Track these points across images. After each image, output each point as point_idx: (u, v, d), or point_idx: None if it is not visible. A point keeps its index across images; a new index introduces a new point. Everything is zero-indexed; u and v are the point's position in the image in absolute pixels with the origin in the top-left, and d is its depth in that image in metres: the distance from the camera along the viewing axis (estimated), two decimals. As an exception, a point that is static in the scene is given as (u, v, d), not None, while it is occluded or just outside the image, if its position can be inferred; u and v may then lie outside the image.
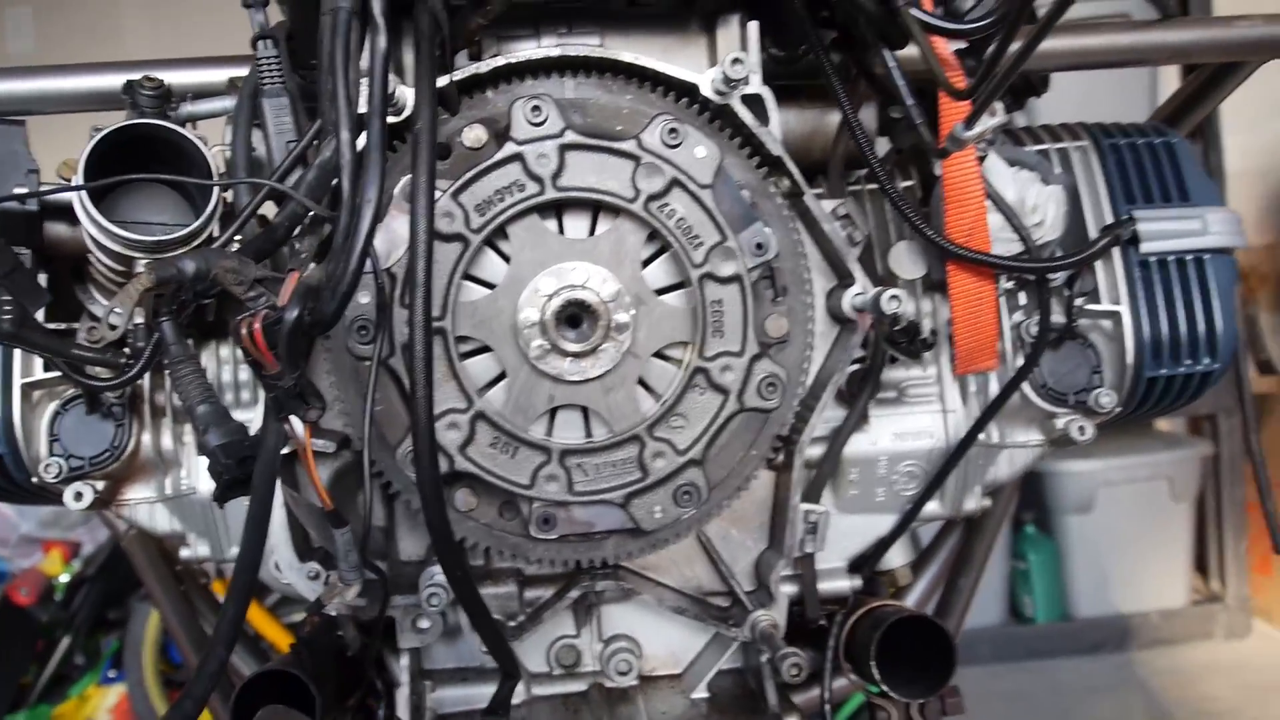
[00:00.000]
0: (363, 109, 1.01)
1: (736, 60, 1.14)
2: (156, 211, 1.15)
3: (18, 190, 1.11)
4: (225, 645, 0.86)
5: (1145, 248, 1.28)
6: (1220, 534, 4.28)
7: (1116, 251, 1.29)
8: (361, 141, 0.98)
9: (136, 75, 1.20)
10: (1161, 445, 4.25)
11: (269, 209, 1.14)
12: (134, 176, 1.07)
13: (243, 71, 1.27)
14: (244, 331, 0.92)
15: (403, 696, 1.21)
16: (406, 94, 1.10)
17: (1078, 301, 1.27)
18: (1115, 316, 1.29)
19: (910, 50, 1.06)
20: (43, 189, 1.13)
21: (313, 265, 1.01)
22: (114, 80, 1.25)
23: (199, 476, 1.27)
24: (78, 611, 3.79)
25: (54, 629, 3.77)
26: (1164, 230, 1.28)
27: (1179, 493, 4.15)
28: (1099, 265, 1.30)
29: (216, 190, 1.09)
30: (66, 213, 1.15)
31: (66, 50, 5.03)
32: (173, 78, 1.24)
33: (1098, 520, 4.14)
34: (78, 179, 1.07)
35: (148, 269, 0.95)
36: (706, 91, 1.17)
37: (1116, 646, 4.19)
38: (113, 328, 1.12)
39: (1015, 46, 0.84)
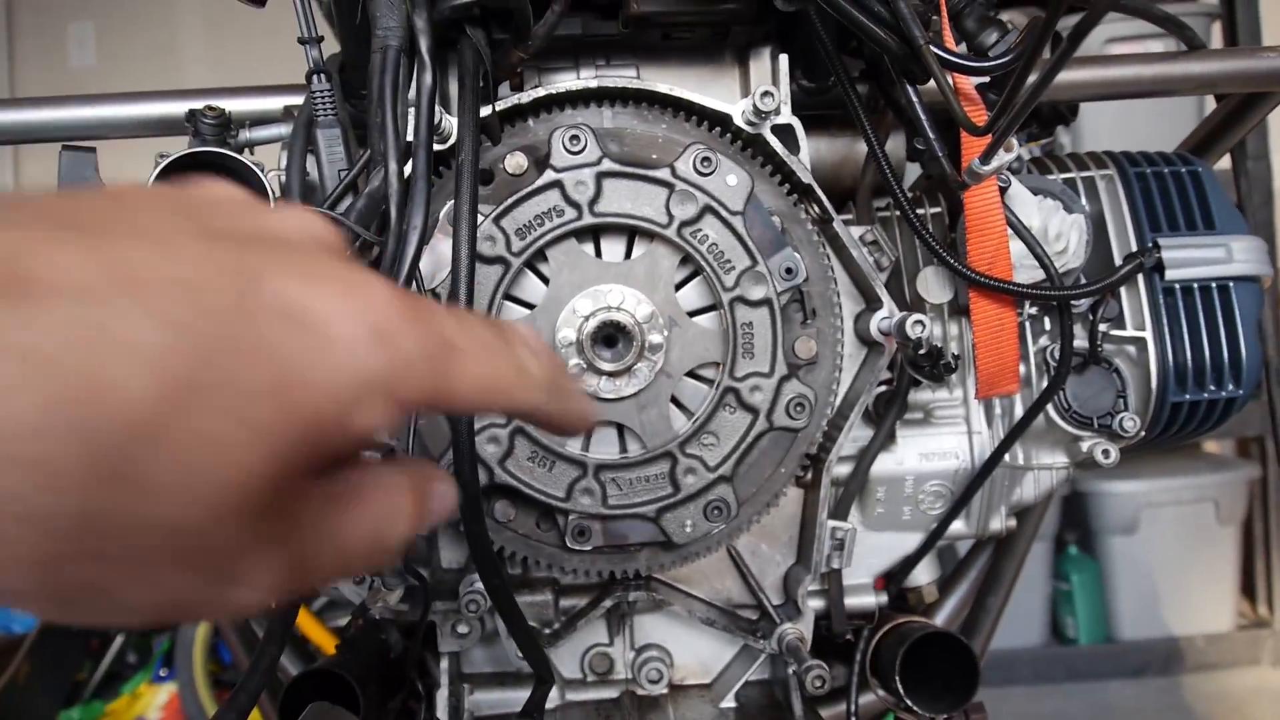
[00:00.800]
0: (410, 139, 1.07)
1: (767, 93, 1.18)
2: (216, 234, 1.22)
3: (89, 213, 1.18)
4: (277, 643, 0.91)
5: (1170, 275, 1.30)
6: (1268, 558, 4.22)
7: (1141, 279, 1.32)
8: (408, 170, 1.04)
9: (198, 104, 1.27)
10: (1207, 467, 4.21)
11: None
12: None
13: (297, 99, 1.34)
14: None
15: (442, 698, 1.26)
16: (451, 123, 1.16)
17: (1102, 327, 1.29)
18: (1140, 342, 1.31)
19: (933, 84, 1.10)
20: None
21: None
22: (177, 108, 1.32)
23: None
24: (132, 611, 3.89)
25: (108, 627, 3.87)
26: (1189, 258, 1.30)
27: (1225, 515, 4.10)
28: (1124, 292, 1.32)
29: (275, 214, 1.16)
30: (133, 234, 1.21)
31: (126, 65, 5.22)
32: (231, 105, 1.31)
33: (1142, 542, 4.11)
34: (144, 203, 1.14)
35: None
36: (739, 121, 1.21)
37: (1161, 670, 4.14)
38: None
39: (1032, 80, 0.88)
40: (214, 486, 0.40)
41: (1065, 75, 1.23)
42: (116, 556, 0.39)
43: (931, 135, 1.06)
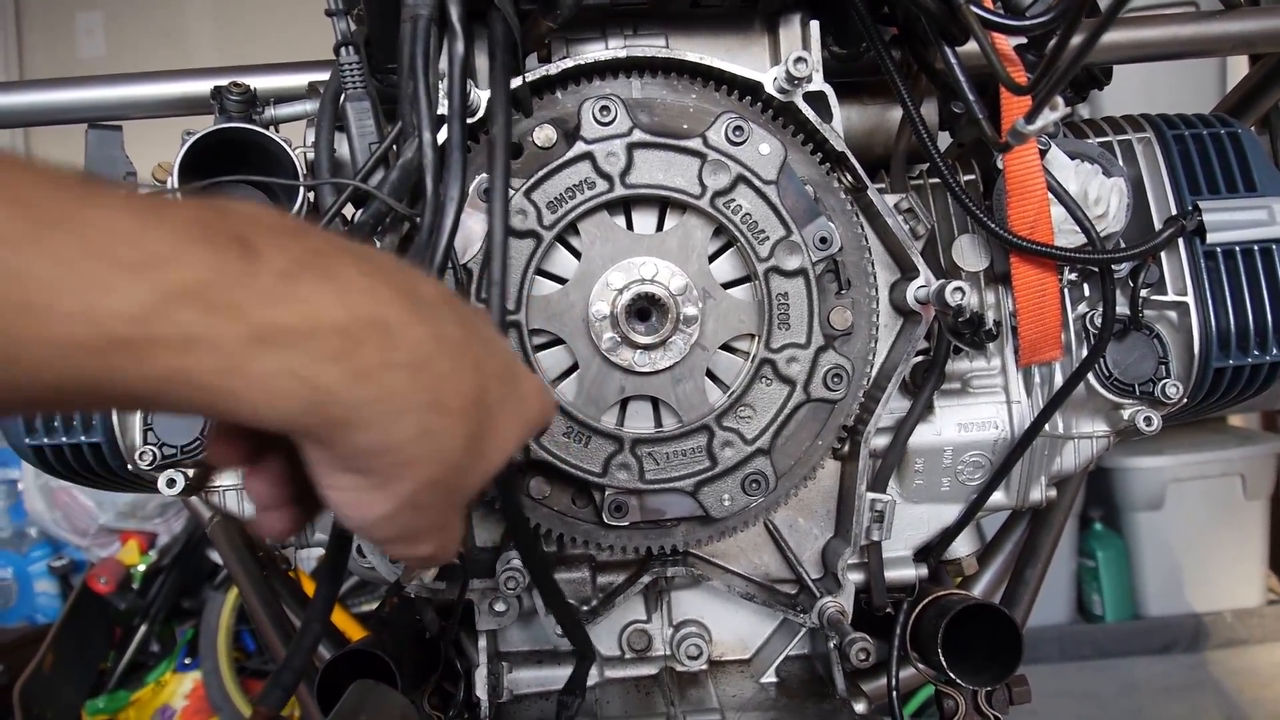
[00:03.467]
0: (441, 111, 1.05)
1: (800, 59, 1.16)
2: (244, 212, 1.21)
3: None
4: (320, 619, 0.90)
5: (1211, 238, 1.28)
6: (1296, 531, 4.20)
7: (1182, 242, 1.30)
8: (441, 140, 1.03)
9: (223, 81, 1.26)
10: (1234, 441, 4.17)
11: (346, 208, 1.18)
12: (227, 179, 1.12)
13: (321, 76, 1.33)
14: None
15: (481, 676, 1.26)
16: (481, 96, 1.14)
17: (1143, 292, 1.27)
18: (1182, 307, 1.29)
19: (970, 46, 1.08)
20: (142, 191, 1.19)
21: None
22: (201, 86, 1.31)
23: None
24: (154, 600, 3.90)
25: (131, 617, 3.90)
26: (1230, 220, 1.28)
27: (1252, 489, 4.07)
28: (1165, 256, 1.30)
29: (302, 190, 1.15)
30: (161, 214, 1.21)
31: (136, 53, 5.21)
32: (255, 82, 1.30)
33: (1168, 517, 4.08)
34: (172, 180, 1.13)
35: None
36: (770, 90, 1.20)
37: (1189, 646, 4.12)
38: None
39: (1076, 40, 0.86)
40: (497, 459, 0.71)
41: (1107, 37, 1.20)
42: (452, 491, 0.68)
43: (972, 96, 1.04)
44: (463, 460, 0.66)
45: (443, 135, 1.05)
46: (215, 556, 3.87)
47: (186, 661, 3.88)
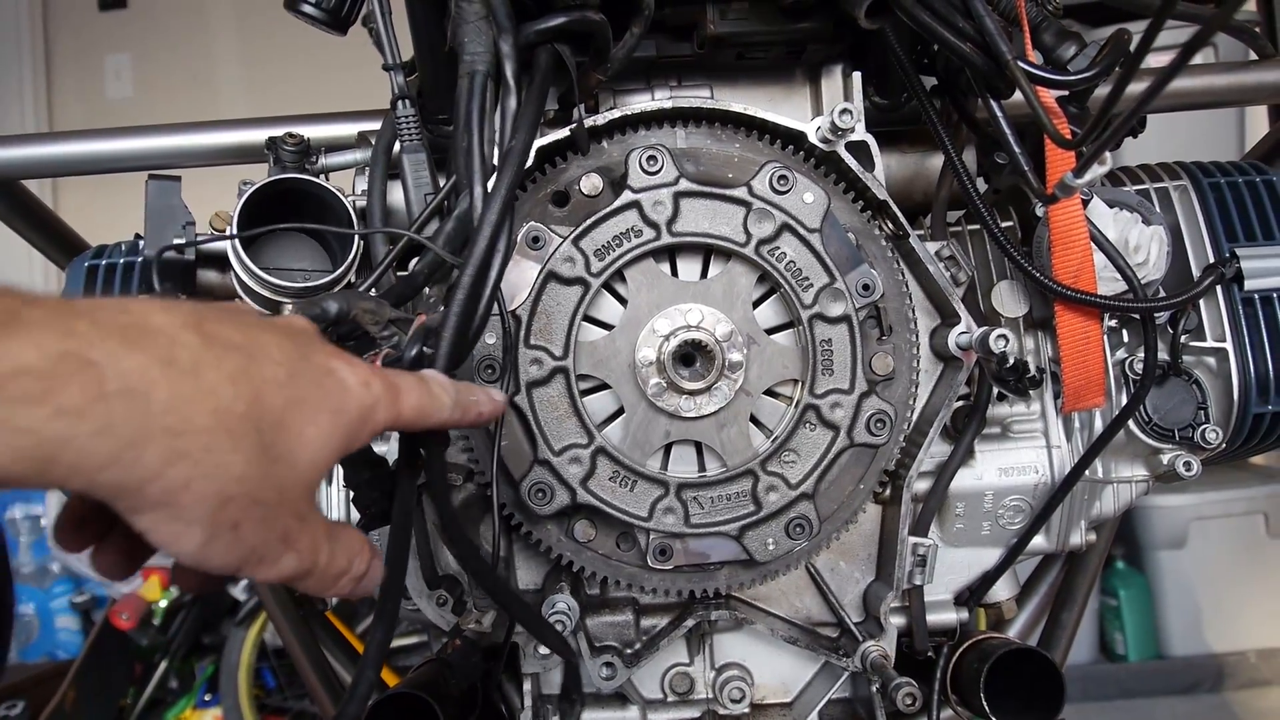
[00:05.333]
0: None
1: (845, 111, 1.18)
2: (298, 259, 1.24)
3: (176, 240, 1.20)
4: (374, 667, 0.91)
5: (1249, 285, 1.29)
6: (1321, 571, 4.16)
7: (1220, 289, 1.31)
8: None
9: (278, 131, 1.29)
10: (1257, 479, 4.15)
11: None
12: (286, 226, 1.14)
13: (371, 125, 1.36)
14: None
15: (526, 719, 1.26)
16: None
17: (1182, 339, 1.29)
18: (1221, 353, 1.30)
19: (1014, 98, 1.10)
20: (199, 238, 1.22)
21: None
22: (255, 136, 1.34)
23: (331, 506, 1.34)
24: (175, 636, 3.91)
25: (152, 653, 3.90)
26: (1267, 268, 1.29)
27: (1276, 528, 4.04)
28: (1203, 303, 1.32)
29: (357, 238, 1.17)
30: (218, 261, 1.23)
31: (163, 96, 5.28)
32: (306, 131, 1.32)
33: (1191, 556, 4.05)
34: (232, 229, 1.15)
35: (295, 309, 1.02)
36: (813, 139, 1.22)
37: (1212, 686, 4.07)
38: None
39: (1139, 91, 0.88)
40: (306, 461, 0.71)
41: (1136, 86, 1.23)
42: (259, 503, 0.67)
43: (1017, 149, 1.06)
44: (250, 471, 0.66)
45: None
46: (236, 592, 3.88)
47: (206, 698, 3.88)
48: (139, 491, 0.62)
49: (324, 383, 0.74)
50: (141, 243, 1.30)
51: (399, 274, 1.17)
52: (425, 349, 0.95)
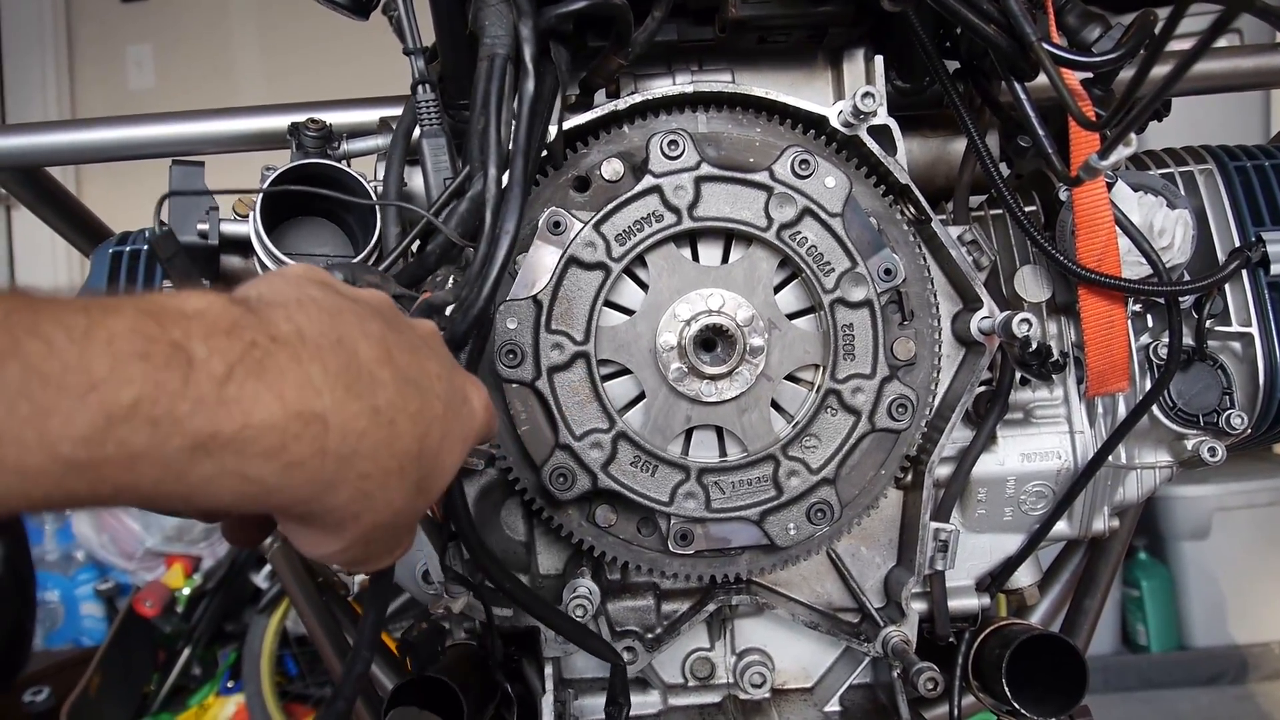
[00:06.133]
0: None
1: (867, 94, 1.18)
2: (320, 245, 1.24)
3: (200, 225, 1.20)
4: (369, 647, 0.92)
5: (1276, 269, 1.28)
6: (1345, 562, 4.13)
7: (1245, 273, 1.30)
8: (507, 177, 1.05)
9: (299, 117, 1.29)
10: (1280, 470, 4.13)
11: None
12: (313, 189, 1.14)
13: (393, 110, 1.36)
14: None
15: (547, 704, 1.26)
16: (550, 131, 1.17)
17: (1207, 323, 1.28)
18: (1246, 338, 1.29)
19: (1038, 80, 1.09)
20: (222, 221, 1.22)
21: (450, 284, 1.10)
22: (277, 122, 1.35)
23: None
24: (198, 623, 3.94)
25: (175, 640, 3.94)
26: (1294, 252, 1.28)
27: (1300, 519, 4.02)
28: (1229, 287, 1.31)
29: (379, 221, 1.17)
30: (241, 246, 1.24)
31: (184, 86, 5.31)
32: (327, 118, 1.33)
33: (1213, 547, 4.03)
34: (254, 215, 1.16)
35: None
36: (835, 123, 1.21)
37: (1235, 678, 4.06)
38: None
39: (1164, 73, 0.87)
40: (440, 488, 0.76)
41: (1161, 69, 1.21)
42: (399, 526, 0.74)
43: (1041, 132, 1.05)
44: (407, 504, 0.71)
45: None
46: (259, 580, 3.91)
47: (229, 685, 3.91)
48: (317, 518, 0.67)
49: (462, 411, 0.78)
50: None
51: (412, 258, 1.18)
52: None
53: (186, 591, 3.97)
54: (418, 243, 1.17)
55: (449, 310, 1.01)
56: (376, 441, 0.66)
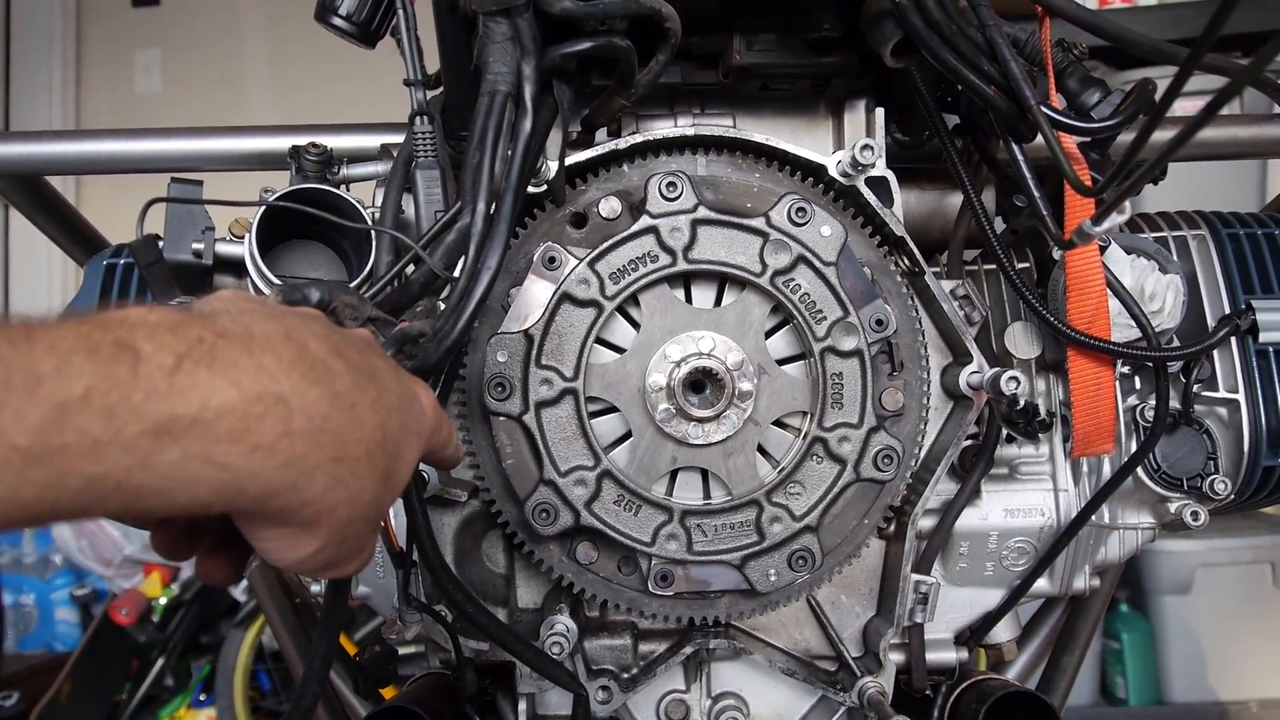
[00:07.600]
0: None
1: (867, 146, 1.19)
2: (314, 269, 1.24)
3: (195, 245, 1.21)
4: (319, 680, 0.92)
5: (1264, 338, 1.29)
6: (1326, 624, 4.12)
7: (1234, 340, 1.31)
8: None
9: (302, 139, 1.29)
10: (1265, 528, 4.11)
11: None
12: (306, 208, 1.15)
13: (394, 138, 1.37)
14: None
15: (519, 740, 1.26)
16: (551, 167, 1.17)
17: (1194, 388, 1.28)
18: (1232, 404, 1.30)
19: (1035, 141, 1.10)
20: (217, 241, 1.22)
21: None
22: (278, 143, 1.35)
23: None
24: (173, 634, 3.91)
25: (149, 649, 3.90)
26: (1283, 321, 1.29)
27: (1283, 578, 4.02)
28: (1217, 353, 1.31)
29: (374, 246, 1.18)
30: (235, 267, 1.24)
31: (192, 92, 5.32)
32: (329, 141, 1.33)
33: (1195, 602, 4.02)
34: (250, 237, 1.16)
35: (275, 291, 1.00)
36: (834, 173, 1.22)
37: (1213, 734, 4.05)
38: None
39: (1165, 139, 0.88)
40: (402, 481, 0.77)
41: (1160, 135, 1.23)
42: (368, 522, 0.73)
43: (1037, 194, 1.06)
44: (376, 495, 0.72)
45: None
46: (236, 593, 3.88)
47: (201, 698, 3.88)
48: (295, 513, 0.66)
49: (414, 407, 0.79)
50: (160, 244, 1.31)
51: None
52: (401, 355, 0.96)
53: (163, 601, 3.94)
54: (411, 268, 1.18)
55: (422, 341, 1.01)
56: (341, 425, 0.67)
